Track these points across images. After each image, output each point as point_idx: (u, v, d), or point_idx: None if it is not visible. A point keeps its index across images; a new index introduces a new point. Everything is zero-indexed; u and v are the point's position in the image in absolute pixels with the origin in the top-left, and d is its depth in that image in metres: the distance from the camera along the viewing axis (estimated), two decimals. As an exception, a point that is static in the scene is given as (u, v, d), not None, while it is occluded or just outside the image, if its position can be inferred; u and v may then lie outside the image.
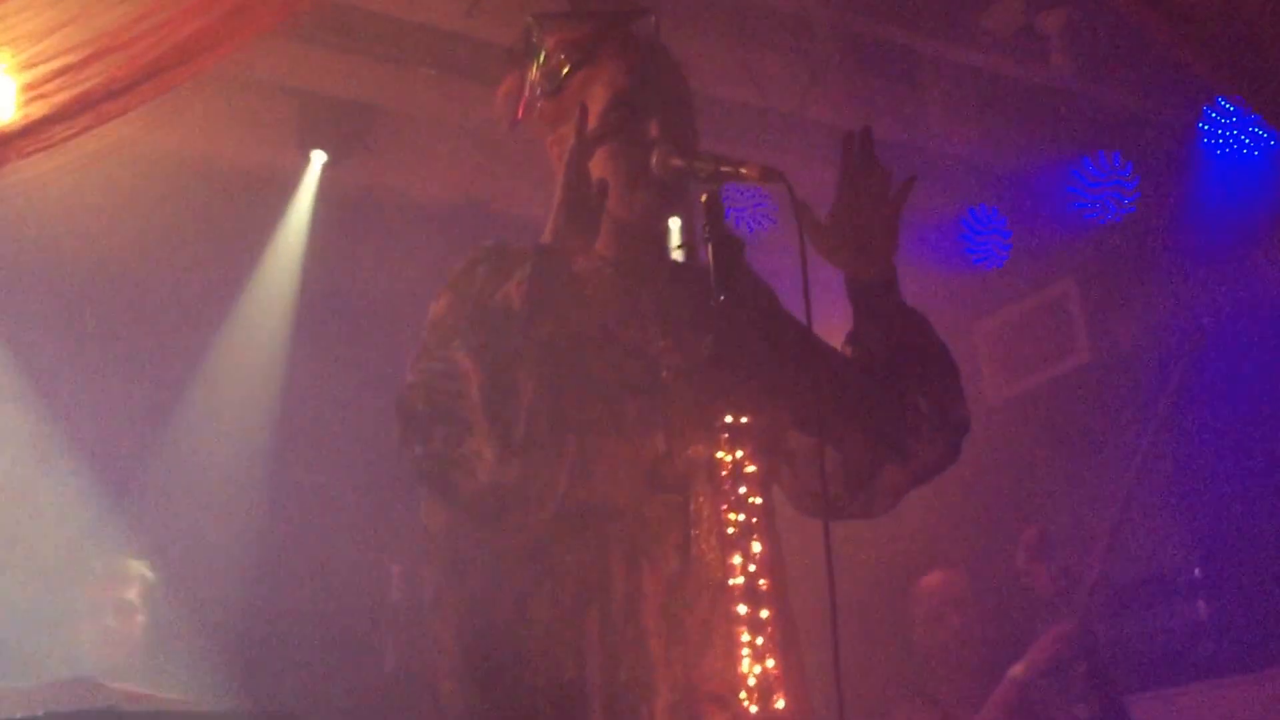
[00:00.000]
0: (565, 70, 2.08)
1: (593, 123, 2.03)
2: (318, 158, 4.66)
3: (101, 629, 3.96)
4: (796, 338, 2.12)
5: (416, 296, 2.15)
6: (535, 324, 1.84)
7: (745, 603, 1.86)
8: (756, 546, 1.89)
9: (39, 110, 2.47)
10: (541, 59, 2.11)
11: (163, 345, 4.72)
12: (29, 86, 2.49)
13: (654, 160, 1.99)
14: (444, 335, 1.94)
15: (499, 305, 1.86)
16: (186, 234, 4.55)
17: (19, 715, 1.85)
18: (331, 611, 4.39)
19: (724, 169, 1.92)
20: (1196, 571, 4.45)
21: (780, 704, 1.84)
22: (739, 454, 1.91)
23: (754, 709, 1.83)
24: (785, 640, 1.95)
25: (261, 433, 4.80)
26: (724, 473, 1.91)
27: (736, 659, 1.85)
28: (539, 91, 2.11)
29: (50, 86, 2.45)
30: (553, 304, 1.86)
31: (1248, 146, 4.68)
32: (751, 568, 1.88)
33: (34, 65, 2.46)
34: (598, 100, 2.06)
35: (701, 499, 1.95)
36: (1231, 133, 4.69)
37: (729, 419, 1.92)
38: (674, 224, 2.21)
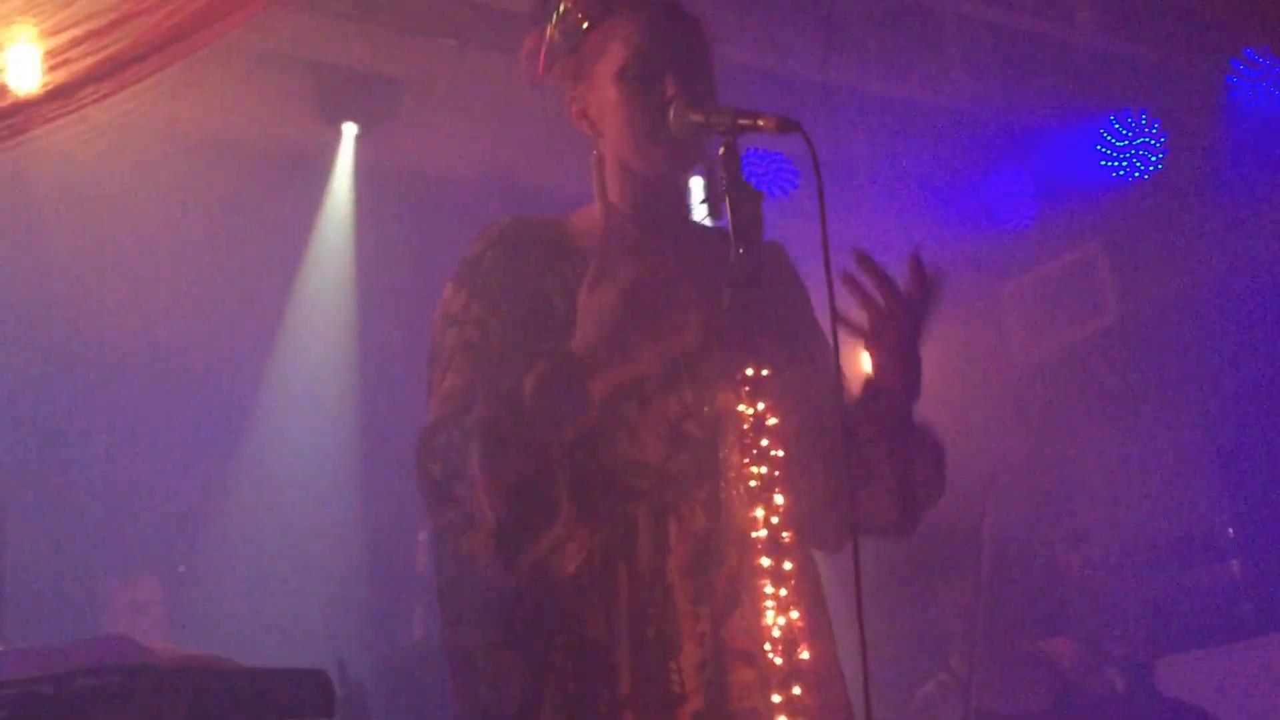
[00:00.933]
0: (583, 26, 2.09)
1: (611, 80, 2.05)
2: (349, 130, 4.70)
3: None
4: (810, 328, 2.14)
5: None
6: (543, 428, 1.83)
7: (768, 555, 1.86)
8: (779, 499, 1.88)
9: (62, 76, 2.50)
10: (559, 15, 2.12)
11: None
12: (52, 53, 2.52)
13: (671, 116, 1.99)
14: (456, 362, 1.96)
15: (510, 395, 1.85)
16: (221, 209, 4.61)
17: (45, 673, 1.89)
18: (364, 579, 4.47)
19: (741, 122, 1.93)
20: (1230, 532, 4.43)
21: (804, 655, 1.84)
22: (760, 406, 1.90)
23: (779, 660, 1.83)
24: (809, 593, 1.96)
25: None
26: (746, 425, 1.90)
27: (761, 611, 1.85)
28: (558, 49, 2.11)
29: (74, 53, 2.48)
30: (567, 414, 1.84)
31: (1278, 98, 4.62)
32: (774, 520, 1.87)
33: (57, 32, 2.48)
34: (615, 56, 2.06)
35: (727, 451, 1.95)
36: (1261, 85, 4.63)
37: (750, 371, 1.92)
38: (694, 182, 2.22)
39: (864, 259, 1.94)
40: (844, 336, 1.96)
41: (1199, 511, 4.72)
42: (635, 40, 2.06)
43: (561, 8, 2.11)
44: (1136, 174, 4.91)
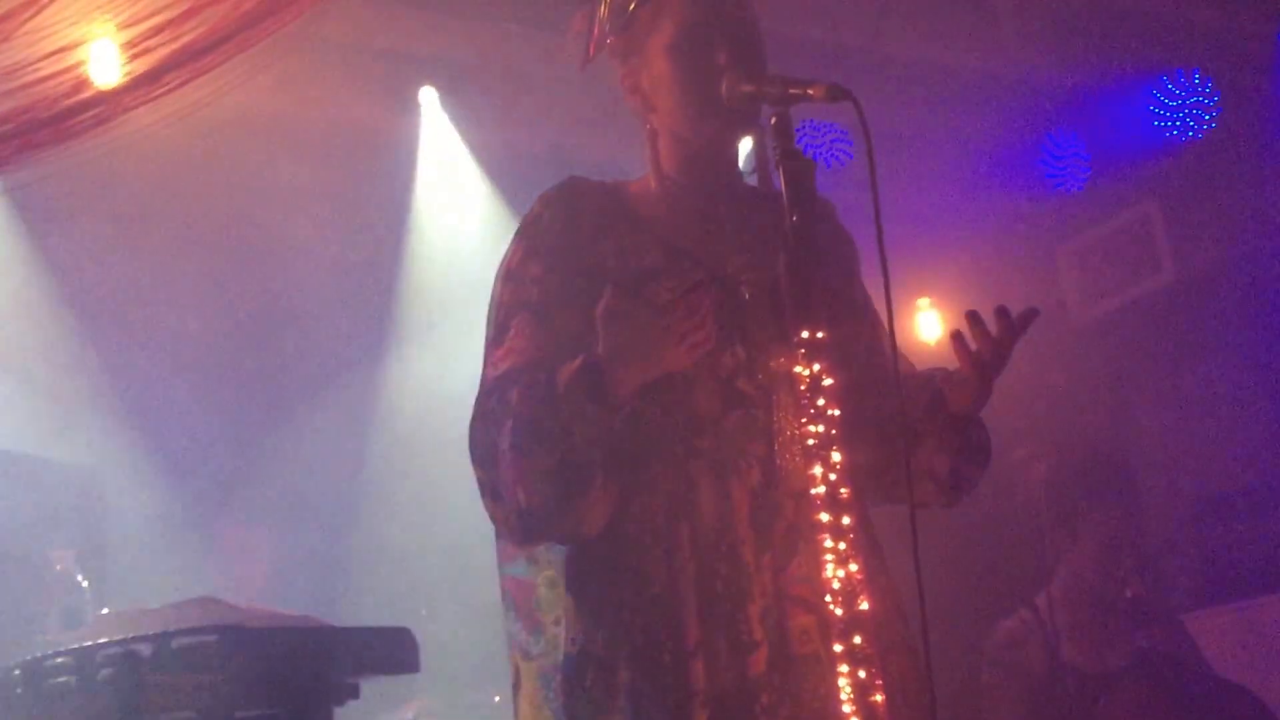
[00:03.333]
0: (633, 5, 2.11)
1: (662, 54, 2.09)
2: (428, 94, 4.77)
3: None
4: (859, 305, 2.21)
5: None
6: (576, 421, 1.89)
7: (827, 510, 1.90)
8: (836, 456, 1.91)
9: (142, 66, 2.60)
10: (609, -6, 2.16)
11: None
12: (130, 44, 2.61)
13: (724, 87, 2.03)
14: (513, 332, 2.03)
15: (544, 382, 1.92)
16: (315, 194, 4.72)
17: (145, 633, 1.99)
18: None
19: (792, 90, 1.97)
20: (1287, 482, 4.44)
21: (864, 605, 1.88)
22: (816, 367, 1.93)
23: (839, 611, 1.87)
24: (867, 544, 2.01)
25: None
26: (802, 386, 1.93)
27: (821, 564, 1.89)
28: (608, 28, 2.14)
29: (151, 43, 2.57)
30: (595, 414, 1.90)
31: (1330, 56, 4.60)
32: (832, 476, 1.91)
33: (134, 24, 2.58)
34: (667, 31, 2.09)
35: (781, 412, 1.99)
36: (1315, 42, 4.61)
37: (805, 334, 1.95)
38: (745, 149, 2.26)
39: (975, 319, 1.99)
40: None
41: (1260, 464, 4.72)
42: (686, 14, 2.09)
43: None
44: (1190, 134, 4.89)
